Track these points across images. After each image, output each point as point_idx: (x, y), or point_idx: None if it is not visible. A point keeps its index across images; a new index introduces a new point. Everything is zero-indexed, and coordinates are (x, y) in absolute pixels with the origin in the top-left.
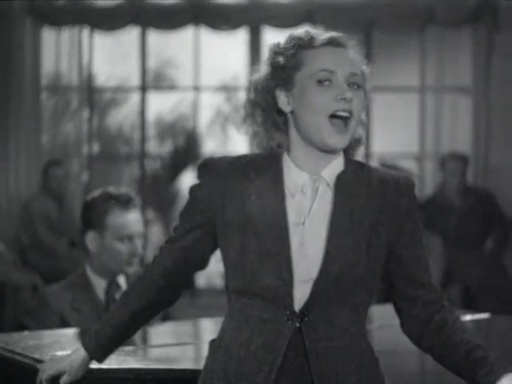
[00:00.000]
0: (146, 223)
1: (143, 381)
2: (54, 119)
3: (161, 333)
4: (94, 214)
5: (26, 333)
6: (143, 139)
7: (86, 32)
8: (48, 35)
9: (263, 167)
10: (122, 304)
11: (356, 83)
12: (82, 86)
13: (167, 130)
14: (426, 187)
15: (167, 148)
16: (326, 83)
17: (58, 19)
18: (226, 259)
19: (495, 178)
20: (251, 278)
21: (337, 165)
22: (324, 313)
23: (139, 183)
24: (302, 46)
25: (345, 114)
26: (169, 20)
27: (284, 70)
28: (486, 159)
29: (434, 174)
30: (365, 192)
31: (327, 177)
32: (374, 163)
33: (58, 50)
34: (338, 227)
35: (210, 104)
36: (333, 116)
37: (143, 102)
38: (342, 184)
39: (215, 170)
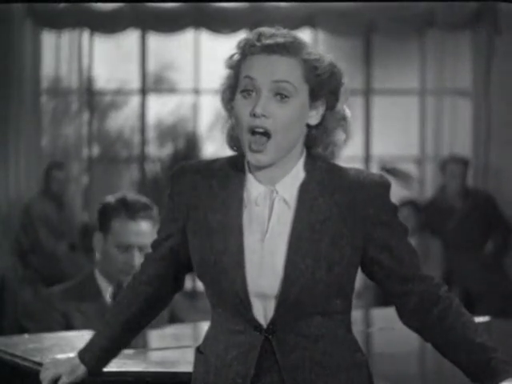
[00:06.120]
0: None
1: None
2: (54, 122)
3: (161, 336)
4: (103, 216)
5: (26, 336)
6: (143, 142)
7: (85, 35)
8: (48, 38)
9: (228, 177)
10: (113, 314)
11: (282, 93)
12: (82, 88)
13: (167, 132)
14: (426, 190)
15: (167, 151)
16: (249, 94)
17: (58, 22)
18: (195, 270)
19: (495, 180)
20: (214, 292)
21: (296, 174)
22: (294, 325)
23: (139, 186)
24: (243, 53)
25: (260, 131)
26: (169, 23)
27: (232, 79)
28: (486, 162)
29: (434, 177)
30: (326, 205)
31: (283, 190)
32: (374, 166)
33: (57, 53)
34: (296, 246)
35: (210, 107)
36: (252, 131)
37: (143, 104)
38: (302, 198)
39: (182, 180)
